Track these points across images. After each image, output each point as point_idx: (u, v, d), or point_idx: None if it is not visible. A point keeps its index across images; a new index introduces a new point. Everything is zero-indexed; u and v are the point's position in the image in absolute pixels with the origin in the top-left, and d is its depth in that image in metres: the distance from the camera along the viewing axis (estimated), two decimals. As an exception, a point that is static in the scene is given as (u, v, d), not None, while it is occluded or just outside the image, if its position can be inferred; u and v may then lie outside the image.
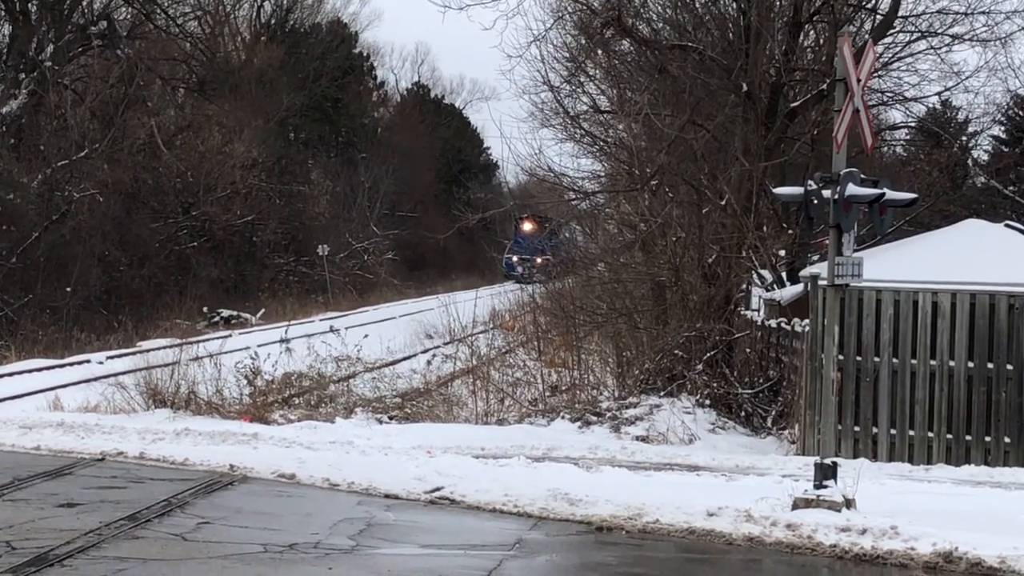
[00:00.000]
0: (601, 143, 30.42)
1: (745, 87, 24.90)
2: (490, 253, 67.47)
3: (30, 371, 29.68)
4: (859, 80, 13.45)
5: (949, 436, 18.61)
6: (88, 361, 31.74)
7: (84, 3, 51.91)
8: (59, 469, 15.63)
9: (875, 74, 26.96)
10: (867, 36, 25.91)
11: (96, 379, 26.66)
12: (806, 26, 28.12)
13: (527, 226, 75.78)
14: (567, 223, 38.85)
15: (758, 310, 28.33)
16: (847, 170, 13.33)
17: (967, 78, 30.14)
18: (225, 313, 48.97)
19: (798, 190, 13.80)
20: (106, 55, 50.85)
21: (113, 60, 50.36)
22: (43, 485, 14.57)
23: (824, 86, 24.89)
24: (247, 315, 49.63)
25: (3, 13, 49.77)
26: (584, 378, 26.34)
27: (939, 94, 33.24)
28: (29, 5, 48.98)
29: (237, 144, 57.08)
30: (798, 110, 26.89)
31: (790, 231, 27.59)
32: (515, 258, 77.71)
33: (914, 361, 18.70)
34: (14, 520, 12.48)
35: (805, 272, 20.75)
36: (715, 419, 21.99)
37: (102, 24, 51.12)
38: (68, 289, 40.96)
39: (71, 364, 31.36)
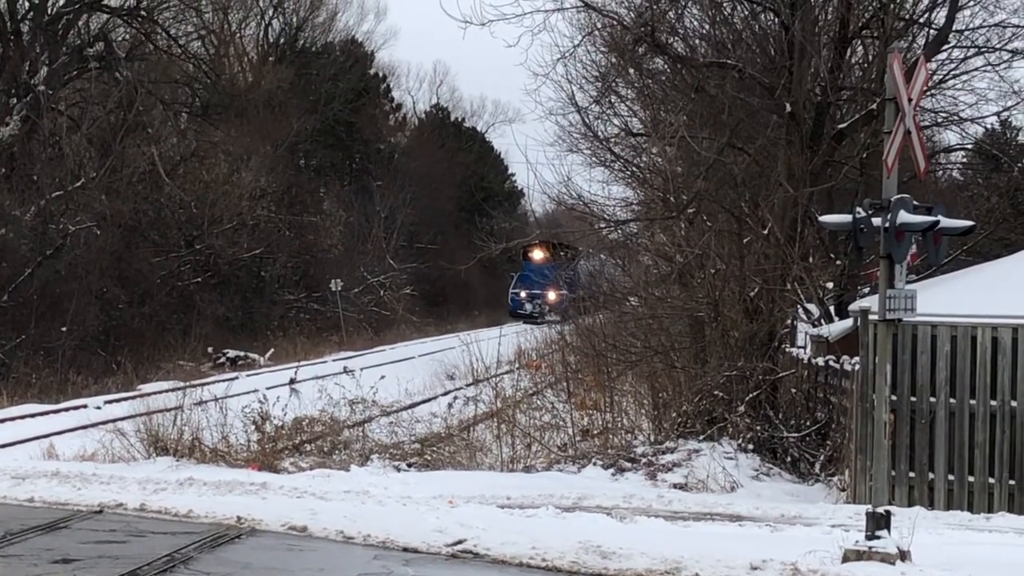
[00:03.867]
0: (633, 168, 30.48)
1: (788, 107, 24.90)
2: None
3: (23, 417, 29.79)
4: (911, 99, 13.44)
5: (1012, 482, 18.49)
6: (85, 406, 31.87)
7: (80, 23, 52.32)
8: (54, 522, 15.67)
9: (928, 92, 26.95)
10: (919, 52, 25.93)
11: (93, 425, 26.79)
12: (854, 41, 28.15)
13: (537, 254, 73.12)
14: (591, 252, 38.76)
15: (804, 347, 28.25)
16: (899, 196, 13.32)
17: (1028, 97, 30.10)
18: (231, 353, 49.14)
19: (846, 218, 13.78)
20: (104, 78, 51.15)
21: (111, 84, 50.66)
22: (37, 539, 14.61)
23: (873, 106, 24.90)
24: (255, 355, 49.79)
25: (-6, 34, 50.13)
26: (617, 421, 26.31)
27: (998, 114, 33.12)
28: (21, 25, 49.31)
29: (244, 172, 57.36)
30: (845, 132, 26.90)
31: (838, 262, 27.56)
32: (523, 293, 74.83)
33: (973, 401, 18.61)
34: (6, 577, 12.53)
35: (854, 306, 20.71)
36: (759, 465, 21.94)
37: (99, 45, 51.43)
38: (63, 329, 41.10)
39: (67, 409, 31.50)
